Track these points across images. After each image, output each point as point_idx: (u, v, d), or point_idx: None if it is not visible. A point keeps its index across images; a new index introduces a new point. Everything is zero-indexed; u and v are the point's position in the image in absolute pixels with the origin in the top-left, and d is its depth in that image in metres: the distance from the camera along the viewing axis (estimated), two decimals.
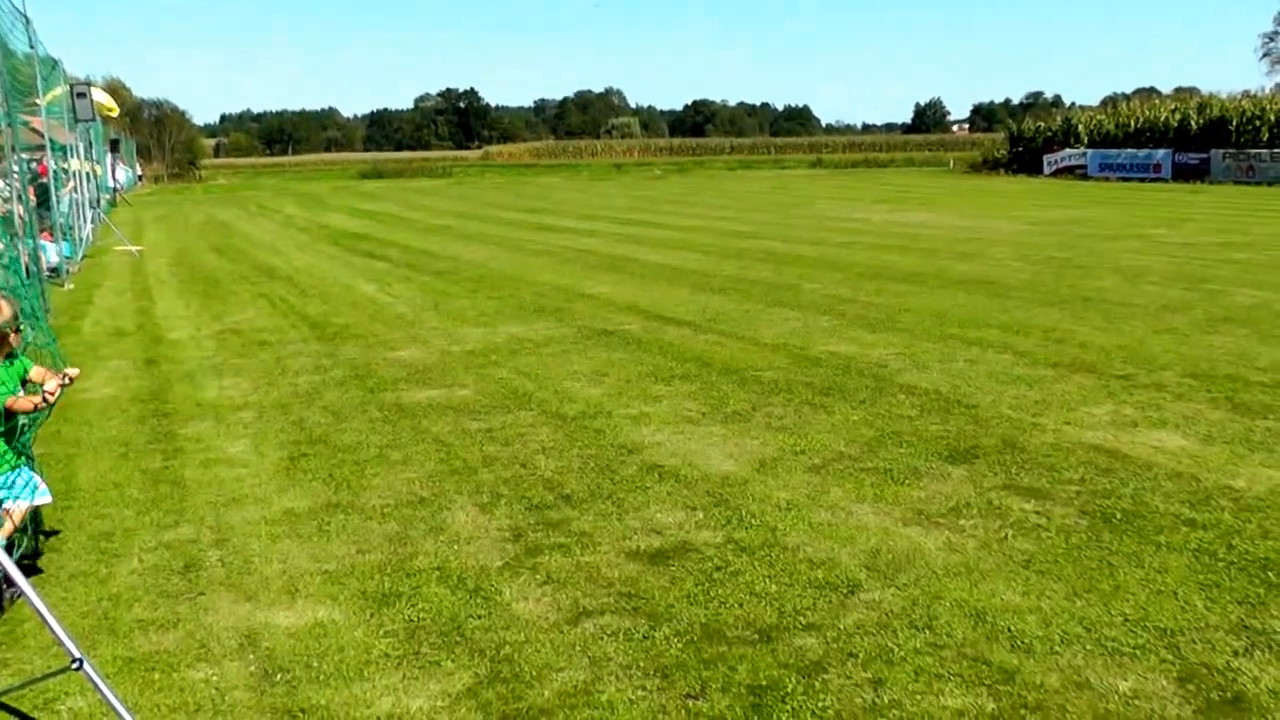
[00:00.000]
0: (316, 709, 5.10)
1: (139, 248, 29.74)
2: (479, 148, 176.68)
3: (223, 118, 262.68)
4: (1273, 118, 56.32)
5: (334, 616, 6.07)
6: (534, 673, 5.36)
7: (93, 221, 33.90)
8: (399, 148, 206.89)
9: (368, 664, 5.51)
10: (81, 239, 29.14)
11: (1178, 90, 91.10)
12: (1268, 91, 67.37)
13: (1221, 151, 55.49)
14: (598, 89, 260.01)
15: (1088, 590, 6.09)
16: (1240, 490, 7.72)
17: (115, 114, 37.72)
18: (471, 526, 7.44)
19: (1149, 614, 5.77)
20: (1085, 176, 61.30)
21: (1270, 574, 6.27)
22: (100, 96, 31.12)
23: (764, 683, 5.19)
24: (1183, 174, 56.21)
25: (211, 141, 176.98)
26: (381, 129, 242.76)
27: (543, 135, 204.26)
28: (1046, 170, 64.89)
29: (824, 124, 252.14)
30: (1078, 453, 8.65)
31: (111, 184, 55.36)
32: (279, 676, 5.40)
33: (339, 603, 6.25)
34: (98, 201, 38.12)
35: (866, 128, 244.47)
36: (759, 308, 16.39)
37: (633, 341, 13.86)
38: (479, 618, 5.99)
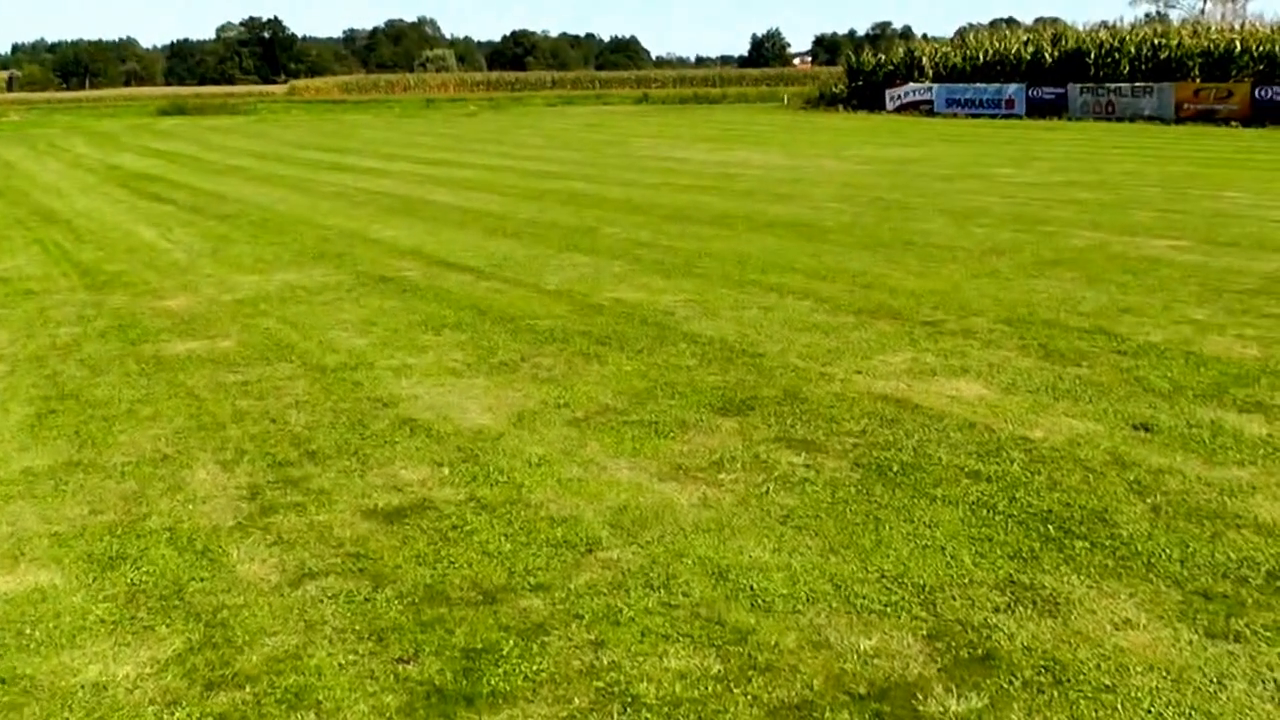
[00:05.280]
0: (21, 679, 5.17)
1: None
2: (285, 81, 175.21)
3: (15, 48, 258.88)
4: (1133, 50, 57.56)
5: (55, 581, 6.13)
6: (246, 638, 5.45)
7: None
8: (202, 81, 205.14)
9: (82, 630, 5.58)
10: None
11: (1038, 21, 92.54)
12: (1128, 24, 68.72)
13: (1079, 86, 56.70)
14: (410, 18, 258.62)
15: (846, 546, 6.22)
16: (1036, 441, 7.91)
17: None
18: (210, 485, 7.50)
19: (909, 570, 5.91)
20: (932, 113, 62.36)
21: (1050, 527, 6.46)
22: None
23: (480, 645, 5.28)
24: (1039, 110, 57.46)
25: (4, 74, 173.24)
26: (183, 61, 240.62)
27: (353, 68, 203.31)
28: (889, 106, 65.86)
29: (654, 57, 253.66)
30: (863, 403, 8.81)
31: None
32: None
33: (63, 566, 6.32)
34: None
35: (700, 60, 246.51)
36: (549, 252, 16.45)
37: (410, 289, 13.89)
38: (201, 580, 6.08)
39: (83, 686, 5.06)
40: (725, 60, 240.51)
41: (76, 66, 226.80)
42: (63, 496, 7.39)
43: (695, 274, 14.40)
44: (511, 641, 5.29)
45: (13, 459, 8.13)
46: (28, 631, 5.57)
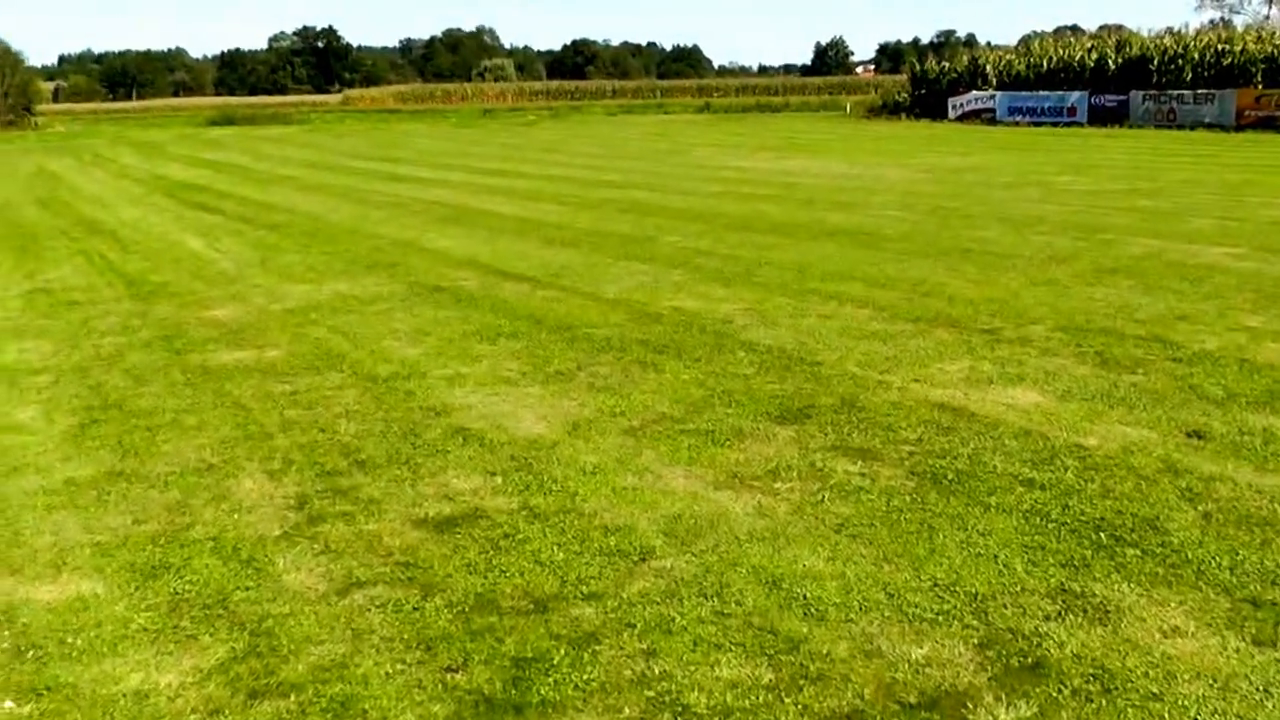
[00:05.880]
0: (64, 686, 5.20)
1: None
2: (339, 91, 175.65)
3: (62, 59, 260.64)
4: (1196, 56, 57.10)
5: (97, 590, 6.16)
6: (292, 646, 5.47)
7: None
8: (253, 92, 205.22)
9: (124, 639, 5.61)
10: None
11: (1102, 28, 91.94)
12: (1192, 30, 68.24)
13: (1141, 93, 56.35)
14: (468, 27, 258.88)
15: (899, 555, 6.22)
16: (1090, 449, 7.89)
17: None
18: (257, 494, 7.54)
19: (961, 579, 5.91)
20: (994, 121, 62.06)
21: (1102, 534, 6.44)
22: None
23: (530, 654, 5.30)
24: (1100, 118, 57.11)
25: (50, 85, 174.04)
26: (234, 71, 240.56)
27: (409, 78, 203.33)
28: (951, 114, 65.56)
29: (715, 65, 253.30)
30: (920, 411, 8.80)
31: None
32: (30, 653, 5.51)
33: (105, 575, 6.35)
34: None
35: (763, 69, 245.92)
36: (608, 261, 16.49)
37: (465, 298, 13.91)
38: (246, 589, 6.10)
39: (124, 695, 5.10)
40: (788, 69, 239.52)
41: (123, 77, 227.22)
42: (105, 506, 7.44)
43: (754, 282, 14.40)
44: (562, 650, 5.31)
45: (56, 469, 8.20)
46: (70, 640, 5.61)
